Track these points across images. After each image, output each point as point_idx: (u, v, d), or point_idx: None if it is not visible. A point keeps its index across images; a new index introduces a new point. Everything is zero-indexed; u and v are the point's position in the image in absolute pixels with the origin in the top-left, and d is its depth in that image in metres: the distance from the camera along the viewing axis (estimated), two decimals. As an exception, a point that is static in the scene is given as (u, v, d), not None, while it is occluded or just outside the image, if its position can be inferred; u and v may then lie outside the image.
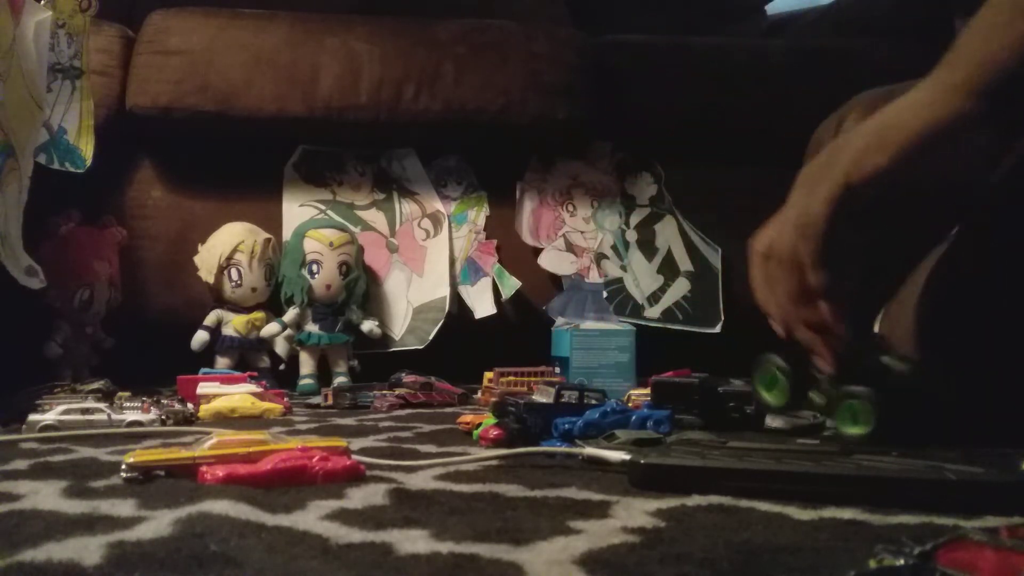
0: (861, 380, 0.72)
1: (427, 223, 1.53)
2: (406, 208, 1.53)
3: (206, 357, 1.32)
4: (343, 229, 1.42)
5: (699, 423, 0.84)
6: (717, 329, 1.53)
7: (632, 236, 1.57)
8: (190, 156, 1.47)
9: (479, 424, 0.76)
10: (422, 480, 0.58)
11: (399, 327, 1.47)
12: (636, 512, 0.48)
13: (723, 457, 0.57)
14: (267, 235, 1.39)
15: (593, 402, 0.76)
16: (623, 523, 0.46)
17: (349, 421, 0.94)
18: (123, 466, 0.56)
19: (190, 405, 0.94)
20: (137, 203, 1.45)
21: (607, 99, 1.54)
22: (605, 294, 1.52)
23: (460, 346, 1.39)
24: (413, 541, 0.42)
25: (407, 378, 1.11)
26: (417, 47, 1.48)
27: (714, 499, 0.51)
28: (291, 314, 1.34)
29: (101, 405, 0.82)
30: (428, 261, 1.51)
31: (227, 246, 1.35)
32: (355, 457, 0.61)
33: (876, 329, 0.86)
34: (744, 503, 0.50)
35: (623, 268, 1.56)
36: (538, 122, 1.49)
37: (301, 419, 0.95)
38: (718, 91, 1.59)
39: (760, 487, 0.52)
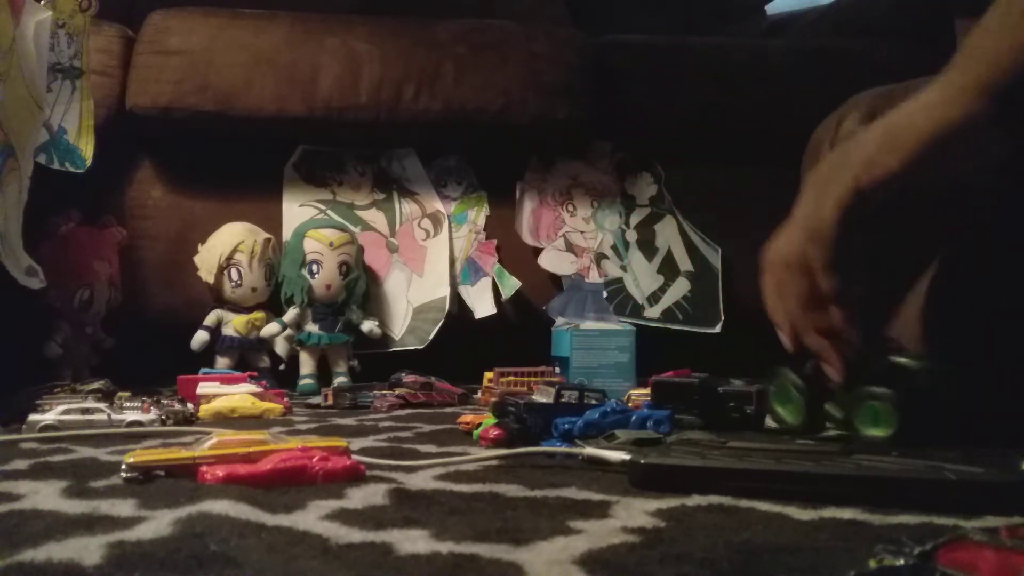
0: (879, 381, 0.71)
1: (427, 223, 1.53)
2: (406, 208, 1.53)
3: (206, 357, 1.32)
4: (343, 229, 1.42)
5: (699, 423, 0.84)
6: (717, 329, 1.53)
7: (632, 236, 1.57)
8: (190, 156, 1.47)
9: (479, 424, 0.76)
10: (422, 480, 0.58)
11: (399, 327, 1.47)
12: (636, 512, 0.48)
13: (723, 457, 0.57)
14: (267, 235, 1.39)
15: (593, 402, 0.76)
16: (623, 523, 0.46)
17: (349, 421, 0.94)
18: (123, 466, 0.56)
19: (190, 405, 0.94)
20: (137, 203, 1.45)
21: (607, 99, 1.54)
22: (605, 294, 1.52)
23: (460, 346, 1.39)
24: (413, 541, 0.42)
25: (407, 378, 1.11)
26: (417, 47, 1.48)
27: (714, 499, 0.51)
28: (291, 314, 1.34)
29: (101, 405, 0.82)
30: (428, 261, 1.51)
31: (227, 246, 1.35)
32: (355, 457, 0.61)
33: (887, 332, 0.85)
34: (744, 503, 0.50)
35: (623, 268, 1.56)
36: (538, 122, 1.49)
37: (301, 419, 0.95)
38: (718, 91, 1.59)
39: (760, 487, 0.52)
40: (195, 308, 1.37)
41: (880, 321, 0.82)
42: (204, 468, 0.55)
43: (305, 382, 1.32)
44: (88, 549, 0.39)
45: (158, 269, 1.43)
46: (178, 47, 1.41)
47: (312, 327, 1.35)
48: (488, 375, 1.14)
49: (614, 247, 1.56)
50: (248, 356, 1.35)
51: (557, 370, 1.21)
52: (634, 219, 1.58)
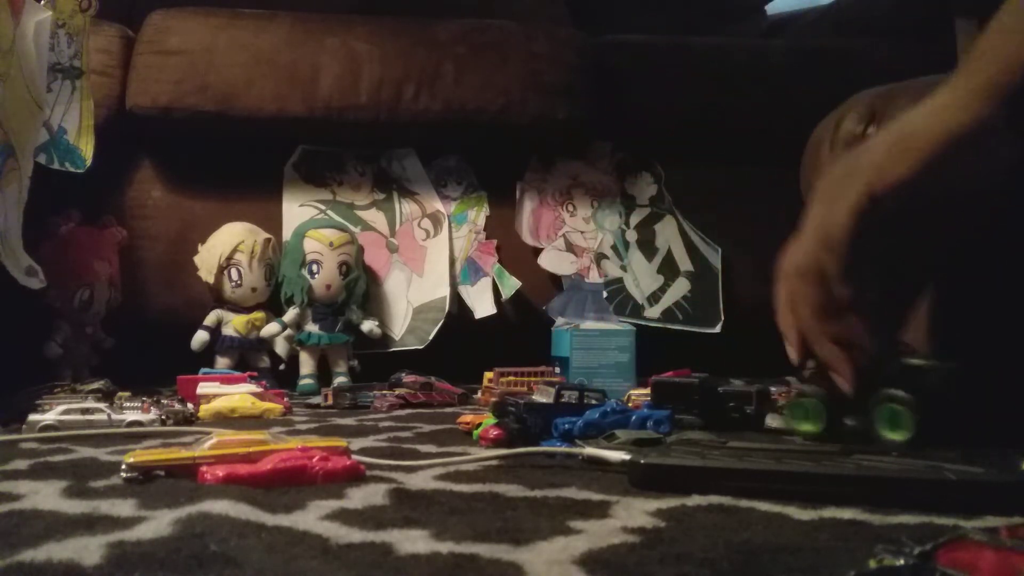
0: (894, 383, 0.71)
1: (427, 223, 1.53)
2: (406, 208, 1.53)
3: (206, 357, 1.32)
4: (343, 229, 1.42)
5: (699, 423, 0.84)
6: (717, 329, 1.53)
7: (632, 236, 1.57)
8: (190, 156, 1.47)
9: (479, 424, 0.76)
10: (422, 480, 0.58)
11: (399, 327, 1.47)
12: (636, 512, 0.48)
13: (723, 457, 0.57)
14: (267, 235, 1.39)
15: (593, 402, 0.76)
16: (623, 523, 0.46)
17: (349, 421, 0.94)
18: (123, 466, 0.56)
19: (190, 405, 0.94)
20: (137, 203, 1.45)
21: (607, 99, 1.54)
22: (605, 294, 1.52)
23: (460, 346, 1.39)
24: (413, 541, 0.42)
25: (407, 378, 1.11)
26: (417, 47, 1.48)
27: (714, 499, 0.51)
28: (291, 314, 1.34)
29: (101, 405, 0.82)
30: (428, 261, 1.51)
31: (227, 246, 1.35)
32: (355, 457, 0.61)
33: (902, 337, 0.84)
34: (744, 503, 0.50)
35: (623, 268, 1.56)
36: (538, 122, 1.49)
37: (301, 419, 0.95)
38: (718, 91, 1.59)
39: (760, 487, 0.52)
40: (195, 308, 1.37)
41: (895, 327, 0.81)
42: (204, 468, 0.55)
43: (305, 382, 1.32)
44: (88, 549, 0.39)
45: (158, 269, 1.43)
46: (178, 47, 1.41)
47: (312, 327, 1.35)
48: (488, 375, 1.14)
49: (614, 247, 1.56)
50: (248, 356, 1.35)
51: (557, 370, 1.21)
52: (634, 219, 1.58)
